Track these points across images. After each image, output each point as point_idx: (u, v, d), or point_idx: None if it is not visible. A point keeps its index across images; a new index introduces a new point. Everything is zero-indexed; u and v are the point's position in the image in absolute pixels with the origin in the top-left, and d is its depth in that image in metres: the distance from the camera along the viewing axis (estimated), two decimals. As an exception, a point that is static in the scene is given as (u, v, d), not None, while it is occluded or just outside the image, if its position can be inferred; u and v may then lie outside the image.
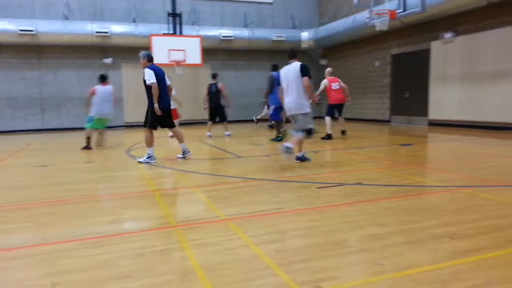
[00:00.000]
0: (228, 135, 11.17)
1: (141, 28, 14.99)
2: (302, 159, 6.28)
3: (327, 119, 9.63)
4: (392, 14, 10.62)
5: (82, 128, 15.38)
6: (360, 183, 4.75)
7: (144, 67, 6.57)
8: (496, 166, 5.68)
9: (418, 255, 2.56)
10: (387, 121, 14.52)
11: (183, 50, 12.05)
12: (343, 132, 9.96)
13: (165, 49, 11.79)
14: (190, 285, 2.27)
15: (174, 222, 3.43)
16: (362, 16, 13.27)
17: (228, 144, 9.58)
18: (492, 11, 10.39)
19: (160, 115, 6.52)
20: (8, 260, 2.73)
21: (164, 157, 7.42)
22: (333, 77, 9.84)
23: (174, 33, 12.43)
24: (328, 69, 10.17)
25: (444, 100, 12.00)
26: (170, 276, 2.37)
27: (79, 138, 12.30)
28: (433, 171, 5.56)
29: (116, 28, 14.82)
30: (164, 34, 12.58)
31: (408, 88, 13.60)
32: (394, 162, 6.36)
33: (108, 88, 9.00)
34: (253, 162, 6.74)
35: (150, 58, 6.71)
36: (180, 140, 7.04)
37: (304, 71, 5.92)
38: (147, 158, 6.69)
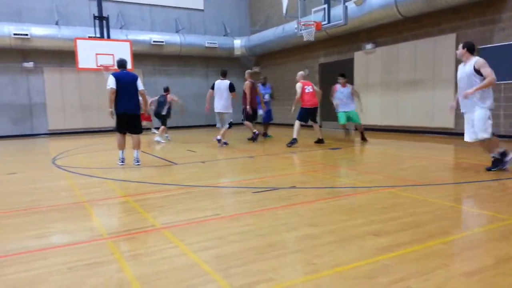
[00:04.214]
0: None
1: (65, 31, 14.19)
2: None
3: (297, 123, 9.30)
4: (318, 25, 11.17)
5: (0, 137, 14.23)
6: (294, 187, 4.92)
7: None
8: (414, 167, 6.20)
9: (347, 253, 2.73)
10: (319, 126, 15.12)
11: (111, 55, 11.60)
12: (320, 141, 9.53)
13: (92, 53, 11.26)
14: (125, 297, 2.21)
15: (106, 234, 3.30)
16: (291, 26, 13.78)
17: (163, 151, 9.38)
18: (406, 25, 11.37)
19: (121, 119, 6.82)
20: None
21: (96, 166, 7.08)
22: (306, 81, 9.61)
23: (101, 37, 11.91)
24: (301, 73, 9.79)
25: (368, 106, 12.80)
26: (104, 290, 2.29)
27: (1, 147, 11.31)
28: (360, 173, 5.92)
29: (37, 30, 13.88)
30: (90, 38, 12.01)
31: (336, 95, 14.32)
32: (325, 165, 6.67)
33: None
34: (189, 168, 6.68)
35: (119, 65, 6.96)
36: (138, 147, 7.14)
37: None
38: (118, 161, 7.03)
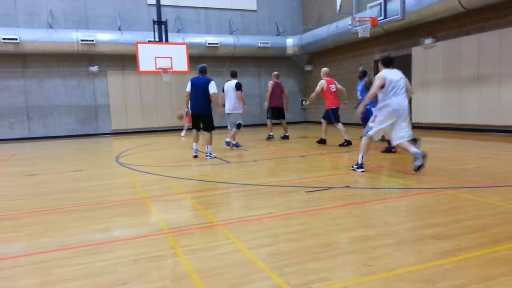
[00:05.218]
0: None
1: (127, 36, 14.97)
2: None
3: (340, 125, 9.12)
4: (374, 21, 10.87)
5: (69, 136, 15.35)
6: (347, 187, 4.86)
7: None
8: (477, 167, 5.86)
9: (406, 256, 2.66)
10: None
11: (169, 58, 12.09)
12: (322, 141, 9.36)
13: (152, 57, 11.81)
14: (186, 290, 2.32)
15: (167, 229, 3.47)
16: (345, 22, 13.53)
17: (217, 150, 9.60)
18: (469, 18, 10.73)
19: (193, 117, 7.76)
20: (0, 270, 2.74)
21: (156, 164, 7.43)
22: (330, 78, 9.32)
23: (160, 41, 12.44)
24: (325, 69, 9.47)
25: (426, 104, 12.27)
26: (165, 282, 2.42)
27: (66, 146, 12.20)
28: (417, 174, 5.70)
29: (102, 36, 14.79)
30: (150, 42, 12.58)
31: (392, 93, 13.85)
32: (379, 165, 6.50)
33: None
34: (242, 167, 6.81)
35: (199, 71, 7.72)
36: (208, 143, 7.82)
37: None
38: (193, 152, 7.92)
